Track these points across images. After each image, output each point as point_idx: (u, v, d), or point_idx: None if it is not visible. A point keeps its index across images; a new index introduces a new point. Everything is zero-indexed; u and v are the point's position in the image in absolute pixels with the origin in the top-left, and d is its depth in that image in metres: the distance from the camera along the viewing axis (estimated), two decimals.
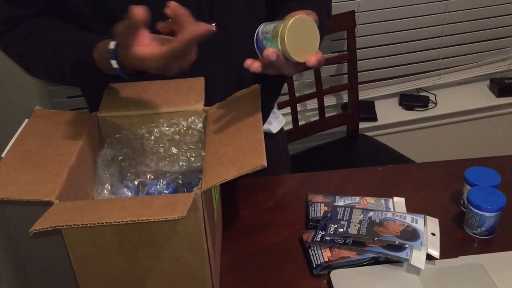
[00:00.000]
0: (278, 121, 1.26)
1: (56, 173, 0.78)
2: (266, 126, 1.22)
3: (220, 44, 1.02)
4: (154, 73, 0.82)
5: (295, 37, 0.78)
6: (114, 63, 0.84)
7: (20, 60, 1.01)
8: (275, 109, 1.26)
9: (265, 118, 1.21)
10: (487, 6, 2.05)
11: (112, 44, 0.84)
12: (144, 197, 0.75)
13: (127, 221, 0.66)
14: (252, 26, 0.88)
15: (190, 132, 0.93)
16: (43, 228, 0.66)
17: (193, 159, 0.93)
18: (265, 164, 0.72)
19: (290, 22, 0.77)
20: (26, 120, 0.88)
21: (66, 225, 0.66)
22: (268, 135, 1.23)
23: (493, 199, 0.95)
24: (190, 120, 0.92)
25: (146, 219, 0.66)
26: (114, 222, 0.67)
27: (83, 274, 0.77)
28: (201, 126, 0.93)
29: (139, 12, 0.75)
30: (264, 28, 0.83)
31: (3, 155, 0.80)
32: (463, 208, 1.03)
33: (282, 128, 1.29)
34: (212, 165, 0.77)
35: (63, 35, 0.96)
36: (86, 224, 0.66)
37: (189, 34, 0.76)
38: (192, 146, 0.93)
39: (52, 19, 0.99)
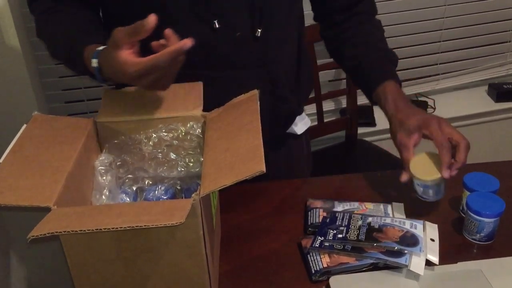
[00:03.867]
0: (303, 123, 1.25)
1: (54, 179, 0.77)
2: (291, 127, 1.22)
3: (258, 48, 1.05)
4: (131, 84, 0.87)
5: (420, 166, 1.00)
6: (94, 62, 0.90)
7: (41, 31, 1.07)
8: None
9: (290, 123, 1.21)
10: (485, 12, 2.06)
11: (101, 47, 0.89)
12: (142, 202, 0.75)
13: (125, 227, 0.66)
14: (291, 35, 1.00)
15: (188, 138, 0.93)
16: (41, 235, 0.65)
17: (191, 164, 0.92)
18: (264, 169, 0.71)
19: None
20: (24, 125, 0.87)
21: (64, 231, 0.66)
22: (292, 136, 1.23)
23: (492, 205, 0.95)
24: (188, 125, 0.92)
25: (145, 225, 0.66)
26: (112, 228, 0.66)
27: (81, 281, 0.77)
28: (200, 131, 0.92)
29: (152, 19, 0.78)
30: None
31: (0, 161, 0.79)
32: (462, 214, 1.02)
33: (307, 130, 1.29)
34: (210, 170, 0.77)
35: (71, 24, 1.01)
36: (84, 230, 0.66)
37: (170, 49, 0.80)
38: (191, 152, 0.93)
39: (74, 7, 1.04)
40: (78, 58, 0.94)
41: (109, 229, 0.66)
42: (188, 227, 0.72)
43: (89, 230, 0.66)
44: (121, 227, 0.66)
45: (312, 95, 1.86)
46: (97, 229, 0.66)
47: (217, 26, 0.99)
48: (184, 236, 0.74)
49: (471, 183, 1.00)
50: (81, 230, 0.66)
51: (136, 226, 0.66)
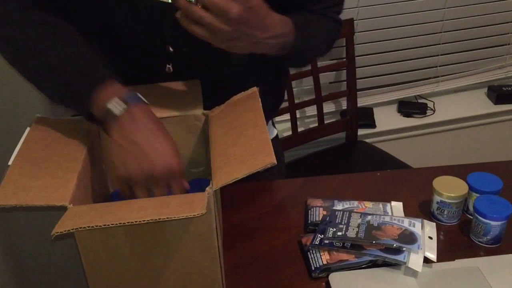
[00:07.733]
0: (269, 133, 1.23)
1: (65, 179, 0.78)
2: None
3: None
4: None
5: (443, 185, 1.02)
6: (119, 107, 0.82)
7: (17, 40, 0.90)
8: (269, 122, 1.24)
9: None
10: (484, 14, 2.07)
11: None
12: (159, 197, 0.77)
13: (148, 220, 0.67)
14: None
15: (191, 135, 0.94)
16: (65, 231, 0.66)
17: (194, 162, 0.94)
18: (275, 161, 0.73)
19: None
20: (28, 128, 0.88)
21: (88, 227, 0.67)
22: None
23: (499, 208, 0.95)
24: (190, 123, 0.94)
25: (167, 217, 0.67)
26: (136, 221, 0.67)
27: (95, 278, 0.78)
28: (201, 129, 0.94)
29: None
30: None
31: (10, 163, 0.80)
32: (467, 215, 1.04)
33: (276, 138, 1.28)
34: (220, 165, 0.78)
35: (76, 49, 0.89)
36: (108, 225, 0.67)
37: None
38: (193, 149, 0.94)
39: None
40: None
41: (132, 222, 0.67)
42: (202, 221, 0.73)
43: (113, 224, 0.67)
44: (144, 220, 0.67)
45: (312, 96, 1.87)
46: (121, 223, 0.67)
47: (171, 50, 0.97)
48: (197, 230, 0.75)
49: (474, 183, 1.01)
50: (105, 225, 0.66)
51: (159, 219, 0.67)
